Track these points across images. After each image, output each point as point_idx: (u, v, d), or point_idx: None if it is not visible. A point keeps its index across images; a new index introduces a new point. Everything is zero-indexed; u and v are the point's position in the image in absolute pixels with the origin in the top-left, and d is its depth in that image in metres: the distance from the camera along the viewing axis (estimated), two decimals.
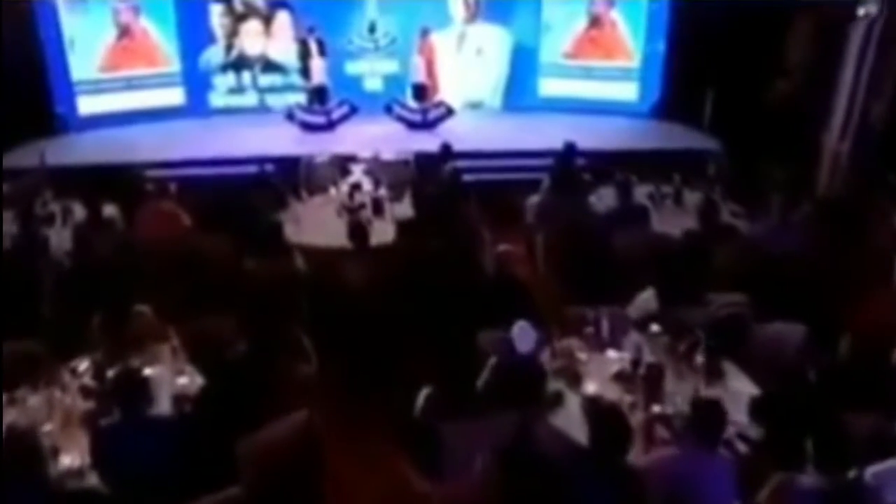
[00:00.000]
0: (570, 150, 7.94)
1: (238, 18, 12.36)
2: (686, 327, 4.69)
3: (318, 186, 8.40)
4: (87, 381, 4.21)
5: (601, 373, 4.38)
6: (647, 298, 5.01)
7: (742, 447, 3.84)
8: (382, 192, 7.38)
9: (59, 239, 6.19)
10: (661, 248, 6.05)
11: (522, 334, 4.06)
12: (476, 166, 9.75)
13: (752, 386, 4.38)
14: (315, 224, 6.63)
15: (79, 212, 6.88)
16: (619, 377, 4.30)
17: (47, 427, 3.91)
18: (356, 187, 7.72)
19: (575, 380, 4.32)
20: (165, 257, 5.62)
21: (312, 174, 9.29)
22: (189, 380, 4.23)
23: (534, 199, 7.80)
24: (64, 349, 4.58)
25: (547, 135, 11.11)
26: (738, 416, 3.94)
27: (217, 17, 12.33)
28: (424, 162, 8.90)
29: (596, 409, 3.84)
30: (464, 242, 5.82)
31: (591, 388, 4.21)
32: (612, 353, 4.58)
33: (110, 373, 4.26)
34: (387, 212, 6.84)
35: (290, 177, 9.28)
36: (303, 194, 7.38)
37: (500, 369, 4.06)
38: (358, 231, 5.64)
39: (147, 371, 4.25)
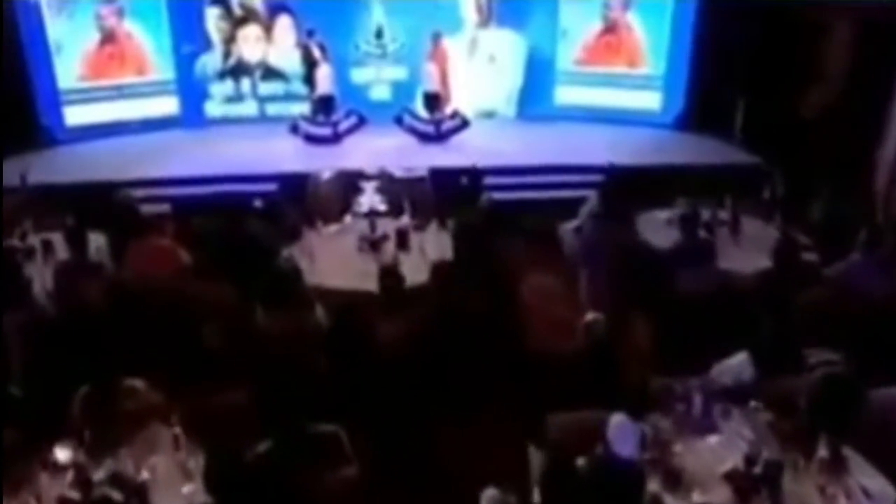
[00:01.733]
0: (615, 172, 7.04)
1: (236, 23, 11.40)
2: (792, 402, 3.83)
3: (331, 211, 7.52)
4: (68, 491, 3.28)
5: (705, 470, 3.49)
6: (739, 365, 4.13)
7: None
8: (406, 219, 6.46)
9: (39, 282, 5.23)
10: (738, 294, 5.16)
11: (622, 432, 3.16)
12: (494, 184, 8.89)
13: (885, 482, 3.51)
14: (333, 261, 5.72)
15: (62, 246, 5.91)
16: (731, 477, 3.41)
17: None
18: (374, 213, 6.85)
19: (673, 480, 3.42)
20: (161, 310, 4.69)
21: (322, 194, 8.41)
22: (196, 488, 3.31)
23: (570, 226, 6.94)
24: (37, 437, 3.66)
25: (566, 147, 10.33)
26: None
27: (213, 21, 11.36)
28: (447, 184, 8.01)
29: None
30: (510, 290, 4.94)
31: (698, 496, 3.31)
32: (712, 440, 3.70)
33: (97, 475, 3.36)
34: (413, 245, 5.92)
35: (298, 198, 8.45)
36: (316, 222, 6.42)
37: (591, 473, 3.16)
38: (390, 277, 4.71)
39: (144, 475, 3.34)
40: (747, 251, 6.01)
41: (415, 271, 5.48)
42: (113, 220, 6.02)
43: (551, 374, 4.31)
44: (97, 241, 6.12)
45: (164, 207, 8.68)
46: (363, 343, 4.53)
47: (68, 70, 10.83)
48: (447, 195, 7.55)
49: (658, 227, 6.47)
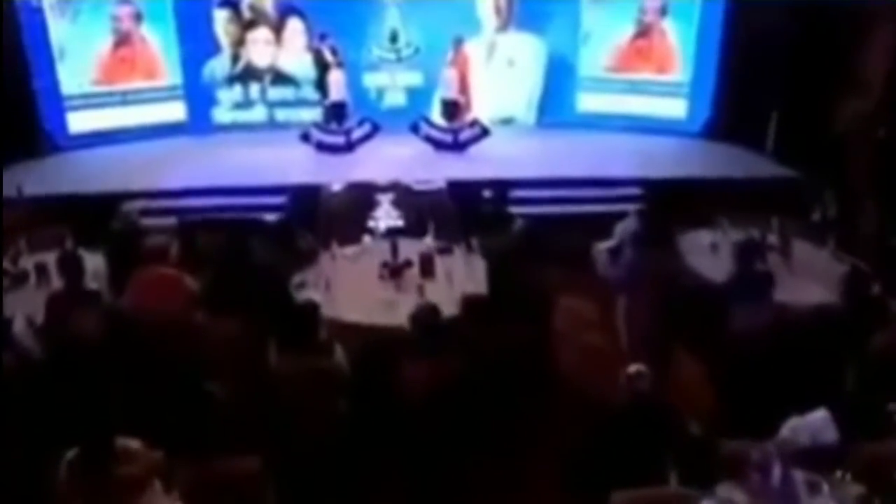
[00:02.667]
0: (650, 186, 6.49)
1: (245, 26, 10.87)
2: (886, 473, 3.29)
3: (346, 229, 7.01)
4: None
5: None
6: (818, 423, 3.59)
7: None
8: (429, 241, 5.93)
9: (25, 316, 4.69)
10: (799, 332, 4.61)
11: None
12: (516, 197, 8.36)
13: None
14: (351, 290, 5.18)
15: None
16: None
17: None
18: (395, 232, 6.33)
19: None
20: (163, 353, 4.17)
21: (335, 209, 7.91)
22: None
23: (604, 246, 6.40)
24: None
25: (590, 157, 9.80)
26: None
27: (222, 24, 10.84)
28: (468, 197, 7.51)
29: None
30: (550, 329, 4.41)
31: None
32: None
33: None
34: (439, 272, 5.38)
35: (309, 212, 7.94)
36: (332, 244, 5.88)
37: None
38: (426, 316, 4.15)
39: None
40: (802, 280, 5.44)
41: (442, 302, 4.95)
42: (114, 243, 5.49)
43: (597, 428, 3.79)
44: (95, 264, 5.61)
45: (170, 220, 8.14)
46: (389, 390, 4.01)
47: (74, 75, 10.33)
48: (471, 212, 7.03)
49: (702, 252, 5.91)
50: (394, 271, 5.36)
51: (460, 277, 5.24)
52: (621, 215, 8.00)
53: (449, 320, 4.64)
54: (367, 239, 6.03)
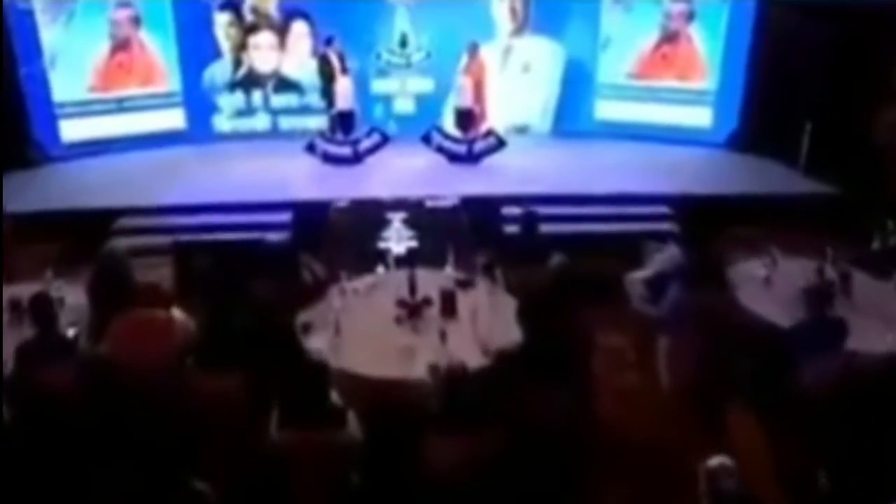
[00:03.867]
0: (690, 205, 5.84)
1: (247, 29, 10.19)
2: None
3: (355, 254, 6.41)
4: None
5: None
6: None
7: None
8: (449, 271, 5.30)
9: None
10: (875, 387, 3.96)
11: None
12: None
13: None
14: (364, 335, 4.53)
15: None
16: None
17: None
18: (410, 260, 5.70)
19: None
20: (147, 420, 3.53)
21: (344, 230, 7.28)
22: None
23: (639, 276, 5.77)
24: None
25: (611, 168, 9.14)
26: None
27: (223, 27, 10.18)
28: (487, 217, 6.87)
29: None
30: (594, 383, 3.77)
31: None
32: None
33: None
34: (461, 309, 4.73)
35: (316, 232, 7.32)
36: (341, 275, 5.21)
37: None
38: (458, 376, 3.49)
39: None
40: (868, 321, 4.77)
41: (467, 348, 4.31)
42: (97, 279, 4.84)
43: None
44: (76, 300, 4.98)
45: (165, 239, 7.51)
46: (411, 466, 3.36)
47: (66, 81, 9.69)
48: (492, 235, 6.40)
49: (754, 287, 5.24)
50: (412, 311, 4.71)
51: (485, 318, 4.58)
52: (651, 235, 7.47)
53: (477, 375, 4.01)
54: (380, 269, 5.38)
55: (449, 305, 4.72)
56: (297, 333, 4.49)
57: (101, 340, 4.21)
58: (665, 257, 5.58)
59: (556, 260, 4.70)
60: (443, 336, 4.33)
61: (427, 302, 4.75)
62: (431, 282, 5.06)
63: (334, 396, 3.52)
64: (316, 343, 4.40)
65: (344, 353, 4.30)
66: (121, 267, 4.83)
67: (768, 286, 5.18)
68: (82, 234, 7.41)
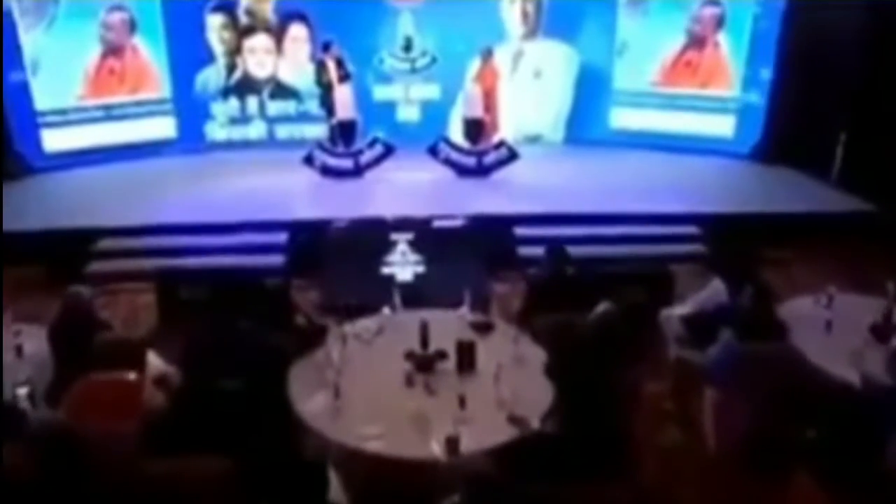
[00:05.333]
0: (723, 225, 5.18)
1: (242, 32, 9.53)
2: None
3: (359, 280, 5.76)
4: None
5: None
6: None
7: None
8: (464, 311, 4.63)
9: None
10: None
11: None
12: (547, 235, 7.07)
13: None
14: (367, 398, 3.83)
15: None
16: None
17: None
18: (417, 296, 5.02)
19: None
20: None
21: (344, 253, 6.58)
22: None
23: (676, 313, 5.09)
24: None
25: (628, 181, 8.45)
26: None
27: (216, 30, 9.49)
28: (507, 248, 6.20)
29: None
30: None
31: None
32: None
33: None
34: (481, 366, 4.03)
35: (313, 256, 6.64)
36: (341, 317, 4.52)
37: None
38: (478, 486, 2.78)
39: None
40: None
41: (488, 414, 3.64)
42: (61, 328, 4.15)
43: None
44: (37, 349, 4.28)
45: (148, 263, 6.83)
46: None
47: (49, 89, 9.00)
48: (506, 261, 5.70)
49: (813, 332, 4.53)
50: (422, 364, 4.02)
51: (510, 375, 3.89)
52: (683, 258, 6.81)
53: (503, 454, 3.33)
54: (385, 311, 4.67)
55: (467, 359, 4.03)
56: (290, 395, 3.80)
57: (59, 407, 3.52)
58: (707, 293, 4.90)
59: (602, 309, 3.98)
60: (462, 402, 3.64)
61: (441, 355, 4.06)
62: (444, 325, 4.37)
63: (336, 494, 2.83)
64: (312, 406, 3.73)
65: (344, 423, 3.62)
66: (87, 315, 4.13)
67: (830, 332, 4.48)
68: (58, 259, 6.76)
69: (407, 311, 4.70)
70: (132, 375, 3.61)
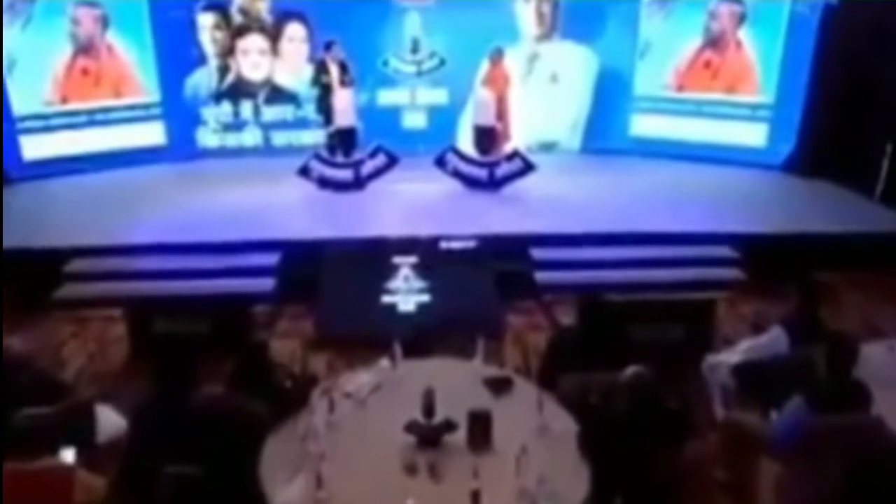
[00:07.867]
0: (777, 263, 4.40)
1: (235, 32, 8.79)
2: None
3: (355, 312, 5.03)
4: None
5: None
6: None
7: None
8: (477, 364, 3.86)
9: None
10: None
11: None
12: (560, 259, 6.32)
13: None
14: (357, 489, 3.03)
15: None
16: None
17: None
18: (424, 343, 4.25)
19: None
20: None
21: (341, 278, 5.83)
22: None
23: (724, 361, 4.31)
24: None
25: (651, 196, 7.64)
26: None
27: (208, 30, 8.73)
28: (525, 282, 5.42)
29: None
30: None
31: None
32: None
33: None
34: (498, 441, 3.24)
35: (307, 283, 5.89)
36: (336, 374, 3.75)
37: None
38: None
39: None
40: None
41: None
42: None
43: None
44: None
45: (123, 287, 6.09)
46: None
47: (27, 91, 8.26)
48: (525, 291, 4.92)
49: (888, 389, 3.73)
50: (426, 439, 3.24)
51: (534, 450, 3.10)
52: (719, 285, 6.02)
53: None
54: (383, 363, 3.89)
55: (481, 432, 3.24)
56: (262, 477, 3.03)
57: None
58: (765, 341, 4.11)
59: (632, 371, 3.17)
60: (475, 498, 2.85)
61: (449, 426, 3.27)
62: (453, 383, 3.59)
63: None
64: (288, 498, 2.95)
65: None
66: (23, 380, 3.36)
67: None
68: (24, 283, 6.00)
69: (408, 362, 3.92)
70: (62, 468, 2.82)
